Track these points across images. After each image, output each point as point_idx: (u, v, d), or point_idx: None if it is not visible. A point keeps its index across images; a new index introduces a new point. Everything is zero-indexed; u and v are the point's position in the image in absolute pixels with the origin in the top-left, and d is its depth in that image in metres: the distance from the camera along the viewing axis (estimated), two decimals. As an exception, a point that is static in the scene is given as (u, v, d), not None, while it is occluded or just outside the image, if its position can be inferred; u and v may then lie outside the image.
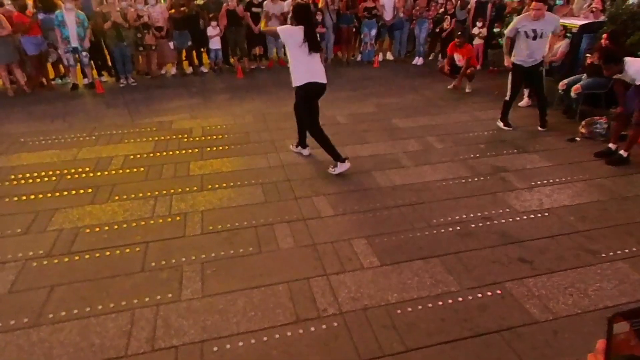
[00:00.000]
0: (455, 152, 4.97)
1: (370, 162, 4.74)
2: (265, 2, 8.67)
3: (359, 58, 9.73)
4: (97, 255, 3.23)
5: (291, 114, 5.20)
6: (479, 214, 3.73)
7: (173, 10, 8.08)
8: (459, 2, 8.85)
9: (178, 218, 3.70)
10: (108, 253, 3.25)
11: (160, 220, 3.67)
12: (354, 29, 9.54)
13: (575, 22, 6.76)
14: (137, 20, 7.76)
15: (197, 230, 3.52)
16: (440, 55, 9.22)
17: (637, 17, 5.92)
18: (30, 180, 4.38)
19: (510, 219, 3.66)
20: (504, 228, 3.53)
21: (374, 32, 9.32)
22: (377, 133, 5.54)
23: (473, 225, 3.57)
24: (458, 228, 3.54)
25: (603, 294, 2.81)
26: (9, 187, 4.25)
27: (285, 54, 9.43)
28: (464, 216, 3.70)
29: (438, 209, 3.82)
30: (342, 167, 4.43)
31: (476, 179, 4.36)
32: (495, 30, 8.30)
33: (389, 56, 9.92)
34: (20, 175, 4.48)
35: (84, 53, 7.44)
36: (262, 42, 9.25)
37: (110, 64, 8.22)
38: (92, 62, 7.91)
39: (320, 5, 8.84)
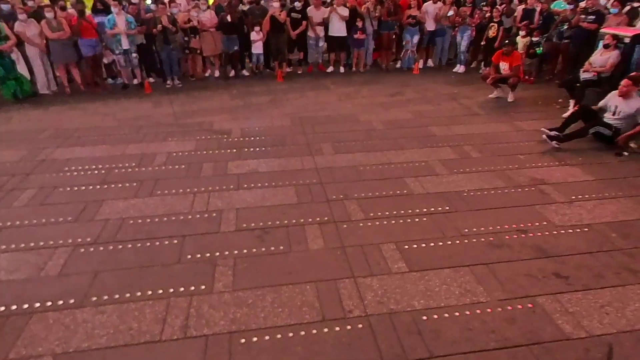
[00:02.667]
0: (492, 162, 4.88)
1: (404, 169, 4.74)
2: (308, 9, 8.87)
3: (398, 65, 9.71)
4: (139, 245, 3.42)
5: (327, 118, 5.29)
6: (514, 226, 3.65)
7: (223, 14, 8.36)
8: (504, 9, 8.67)
9: (214, 214, 3.85)
10: (148, 244, 3.44)
11: (198, 216, 3.84)
12: (394, 36, 9.54)
13: (628, 32, 6.47)
14: (187, 23, 8.10)
15: (232, 227, 3.66)
16: (482, 64, 9.05)
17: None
18: (82, 173, 4.69)
19: (547, 233, 3.56)
20: (539, 242, 3.45)
21: (415, 39, 9.27)
22: (413, 140, 5.53)
23: (507, 237, 3.51)
24: (491, 239, 3.48)
25: (642, 315, 2.69)
26: (63, 178, 4.57)
27: (323, 60, 9.66)
28: (498, 227, 3.63)
29: (471, 218, 3.77)
30: None
31: (513, 190, 4.27)
32: (534, 39, 8.07)
33: (430, 63, 9.84)
34: (73, 168, 4.80)
35: (134, 55, 7.86)
36: (302, 48, 9.43)
37: (158, 66, 8.63)
38: (141, 64, 8.33)
39: (361, 11, 8.89)
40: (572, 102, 6.53)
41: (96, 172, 4.70)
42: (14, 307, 2.80)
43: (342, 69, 9.38)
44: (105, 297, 2.86)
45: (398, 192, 4.24)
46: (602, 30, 6.85)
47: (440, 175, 4.60)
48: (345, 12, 8.75)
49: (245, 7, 9.01)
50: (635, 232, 3.52)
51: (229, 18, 8.33)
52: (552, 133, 5.22)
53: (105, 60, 8.21)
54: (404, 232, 3.58)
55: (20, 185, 4.41)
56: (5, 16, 7.40)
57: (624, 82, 5.06)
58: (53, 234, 3.57)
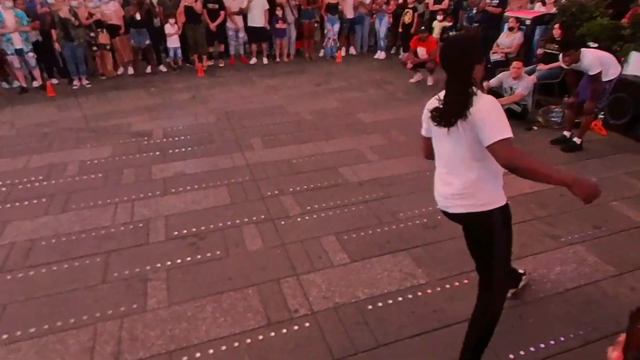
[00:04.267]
0: (418, 145, 5.02)
1: (337, 158, 4.73)
2: (224, -1, 8.51)
3: (321, 53, 9.70)
4: (54, 268, 3.07)
5: (254, 112, 5.07)
6: (445, 206, 3.78)
7: (131, 7, 7.78)
8: (417, -5, 8.97)
9: (140, 225, 3.56)
10: (66, 266, 3.09)
11: (122, 228, 3.53)
12: (315, 24, 9.51)
13: (528, 15, 6.99)
14: (89, 18, 7.42)
15: (161, 237, 3.41)
16: (401, 49, 9.32)
17: (586, 9, 6.17)
18: (-23, 192, 4.11)
19: (475, 209, 3.74)
20: (468, 218, 3.60)
21: (336, 27, 9.31)
22: (342, 128, 5.54)
23: (439, 218, 3.60)
24: (425, 220, 3.59)
25: (564, 278, 2.92)
26: (-47, 201, 3.98)
27: (245, 51, 9.38)
28: (430, 209, 3.74)
29: (405, 202, 3.86)
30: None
31: (440, 171, 4.43)
32: (447, 24, 8.46)
33: (352, 51, 9.95)
34: (-35, 187, 4.19)
35: (30, 54, 7.05)
36: (222, 40, 9.07)
37: (61, 65, 7.82)
38: (40, 64, 7.50)
39: (280, 0, 8.73)
40: (485, 83, 6.93)
41: (-5, 190, 4.15)
42: None
43: (265, 60, 9.17)
44: (18, 333, 2.52)
45: (333, 182, 4.23)
46: (506, 13, 7.33)
47: (372, 161, 4.66)
48: (265, 2, 8.54)
49: (155, -1, 8.45)
50: (550, 201, 3.81)
51: (138, 16, 7.76)
52: None
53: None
54: (342, 222, 3.57)
55: None
56: None
57: (515, 64, 5.33)
58: (-54, 267, 3.09)
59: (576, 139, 4.81)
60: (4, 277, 2.99)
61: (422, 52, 7.34)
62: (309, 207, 3.78)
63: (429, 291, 2.82)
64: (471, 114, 1.81)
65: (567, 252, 3.17)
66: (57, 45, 7.28)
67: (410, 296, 2.78)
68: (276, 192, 4.04)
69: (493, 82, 5.53)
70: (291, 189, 4.08)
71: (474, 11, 8.36)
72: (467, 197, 1.99)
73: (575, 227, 3.46)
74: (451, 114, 1.87)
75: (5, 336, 2.50)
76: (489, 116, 1.80)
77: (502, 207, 2.01)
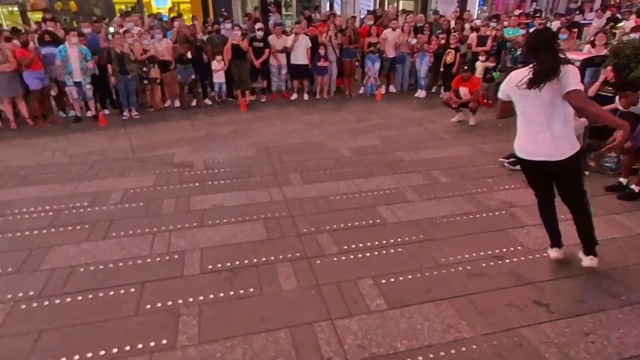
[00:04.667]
0: (461, 186, 4.86)
1: (376, 197, 4.62)
2: (270, 37, 8.84)
3: (361, 91, 9.79)
4: (90, 296, 3.08)
5: (294, 147, 5.08)
6: (490, 252, 3.57)
7: (178, 45, 8.20)
8: (459, 36, 8.96)
9: (176, 256, 3.55)
10: (102, 294, 3.10)
11: (158, 259, 3.53)
12: (356, 63, 9.66)
13: (578, 57, 6.79)
14: (143, 54, 7.86)
15: (196, 270, 3.37)
16: (442, 88, 9.26)
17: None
18: (27, 216, 4.27)
19: (523, 258, 3.51)
20: (516, 268, 3.37)
21: (377, 65, 9.41)
22: (382, 166, 5.45)
23: (484, 265, 3.42)
24: (468, 267, 3.38)
25: (627, 341, 2.62)
26: (3, 223, 4.14)
27: (287, 87, 9.61)
28: (474, 254, 3.55)
29: (447, 246, 3.67)
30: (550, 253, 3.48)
31: (484, 215, 4.23)
32: (490, 65, 8.34)
33: (392, 89, 9.98)
34: (16, 210, 4.37)
35: (88, 86, 7.49)
36: (265, 76, 9.36)
37: (114, 97, 8.27)
38: (96, 95, 7.95)
39: (323, 40, 8.96)
40: None
41: (43, 214, 4.29)
42: (-62, 382, 2.39)
43: (306, 97, 9.34)
44: (50, 363, 2.51)
45: (371, 221, 4.10)
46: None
47: (412, 202, 4.51)
48: (308, 41, 8.82)
49: (204, 37, 8.87)
50: (607, 253, 3.51)
51: (189, 55, 8.17)
52: (511, 159, 5.25)
53: (53, 93, 7.77)
54: (380, 265, 3.42)
55: (-47, 233, 3.95)
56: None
57: None
58: (-10, 288, 3.17)
59: (634, 187, 4.49)
60: (42, 302, 3.02)
61: (464, 91, 7.24)
62: (345, 247, 3.67)
63: (474, 347, 2.60)
64: (560, 72, 2.73)
65: (629, 313, 2.87)
66: (112, 79, 7.72)
67: (453, 351, 2.57)
68: (313, 229, 3.96)
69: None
70: (328, 227, 3.99)
71: (519, 52, 8.24)
72: (563, 141, 2.89)
73: (637, 284, 3.15)
74: (548, 73, 2.75)
75: (37, 365, 2.49)
76: (572, 72, 2.74)
77: (581, 148, 2.97)
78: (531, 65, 2.84)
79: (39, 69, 7.22)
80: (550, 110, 2.86)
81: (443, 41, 9.03)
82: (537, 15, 10.83)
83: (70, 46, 7.16)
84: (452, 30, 9.32)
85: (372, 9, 16.04)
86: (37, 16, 11.55)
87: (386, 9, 16.53)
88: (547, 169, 3.04)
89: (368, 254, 3.57)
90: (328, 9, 14.93)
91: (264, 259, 3.50)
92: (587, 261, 3.27)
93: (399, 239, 3.78)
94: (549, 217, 3.37)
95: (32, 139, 6.75)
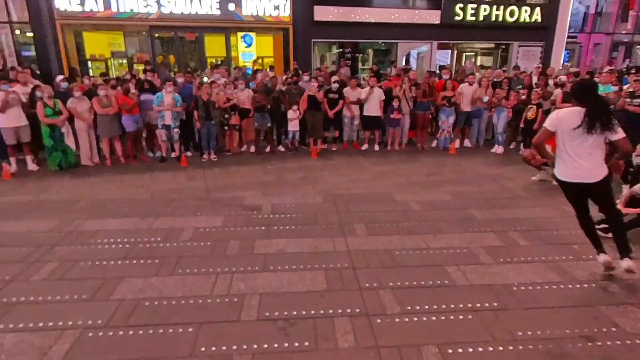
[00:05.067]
0: (543, 251, 4.41)
1: (444, 255, 4.34)
2: (345, 89, 9.11)
3: (434, 144, 9.61)
4: (151, 331, 3.13)
5: (361, 197, 4.99)
6: (577, 331, 3.13)
7: (258, 95, 8.73)
8: (542, 92, 8.57)
9: (235, 299, 3.54)
10: (161, 331, 3.14)
11: (218, 300, 3.54)
12: (430, 116, 9.58)
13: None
14: (227, 102, 8.45)
15: (253, 316, 3.32)
16: (522, 145, 8.78)
17: None
18: (107, 246, 4.57)
19: (619, 342, 3.02)
20: (611, 353, 2.90)
21: (451, 119, 9.25)
22: (452, 223, 5.16)
23: (570, 345, 2.98)
24: (550, 346, 2.97)
25: None
26: (87, 251, 4.45)
27: (358, 137, 9.72)
28: (558, 332, 3.12)
29: (524, 318, 3.28)
30: (598, 258, 3.95)
31: (570, 286, 3.76)
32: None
33: (467, 143, 9.68)
34: (99, 240, 4.70)
35: (176, 130, 8.15)
36: (338, 126, 9.57)
37: (197, 140, 8.90)
38: (181, 138, 8.61)
39: (397, 92, 9.04)
40: (625, 187, 6.05)
41: (120, 245, 4.56)
42: (6, 400, 2.51)
43: (377, 147, 9.36)
44: (105, 396, 2.53)
45: (438, 282, 3.83)
46: (652, 113, 6.56)
47: (485, 264, 4.16)
48: (382, 94, 8.97)
49: (283, 88, 9.37)
50: None
51: (268, 106, 8.67)
52: (602, 226, 4.68)
53: (144, 134, 8.56)
54: (446, 331, 3.13)
55: (43, 257, 4.31)
56: (61, 93, 7.95)
57: None
58: (64, 313, 3.35)
59: None
60: (107, 332, 3.12)
61: (547, 149, 6.77)
62: (409, 307, 3.42)
63: None
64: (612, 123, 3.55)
65: None
66: (197, 124, 8.36)
67: None
68: (375, 284, 3.77)
69: (637, 188, 4.77)
70: (391, 284, 3.78)
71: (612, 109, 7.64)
72: (601, 168, 3.69)
73: None
74: (605, 125, 3.54)
75: (93, 396, 2.53)
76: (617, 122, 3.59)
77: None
78: (584, 111, 3.59)
79: (136, 113, 8.03)
80: (595, 146, 3.64)
81: (524, 97, 8.69)
82: (632, 71, 10.09)
83: (166, 94, 7.93)
84: (535, 86, 8.96)
85: (447, 64, 16.06)
86: (141, 67, 13.07)
87: (463, 64, 16.47)
88: (585, 188, 3.77)
89: (434, 318, 3.29)
90: (404, 63, 15.18)
91: (322, 311, 3.37)
92: (624, 263, 3.74)
93: (469, 305, 3.46)
94: (589, 226, 4.01)
95: (122, 175, 7.38)
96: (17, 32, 13.01)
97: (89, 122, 7.83)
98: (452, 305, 3.45)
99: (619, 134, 3.54)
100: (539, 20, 15.24)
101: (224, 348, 2.95)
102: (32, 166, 7.74)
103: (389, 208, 5.70)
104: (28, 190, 6.59)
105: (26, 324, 3.23)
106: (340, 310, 3.38)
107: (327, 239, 4.72)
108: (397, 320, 3.27)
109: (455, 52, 16.85)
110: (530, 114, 8.33)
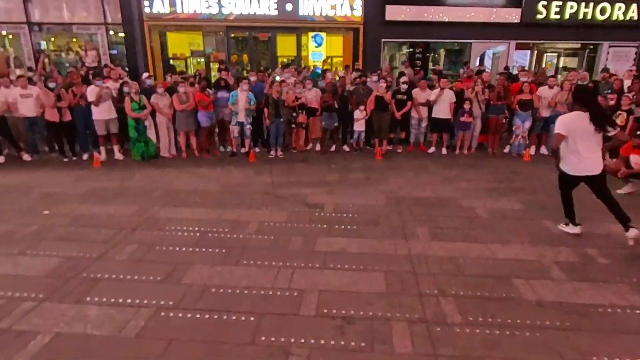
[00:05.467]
0: (626, 271, 4.04)
1: (512, 267, 4.13)
2: (414, 90, 8.95)
3: (507, 150, 9.13)
4: (216, 317, 3.31)
5: (425, 201, 4.89)
6: (663, 363, 2.84)
7: (326, 95, 8.84)
8: (635, 97, 7.81)
9: (295, 294, 3.64)
10: (225, 317, 3.31)
11: (279, 293, 3.66)
12: (504, 120, 9.11)
13: None
14: (295, 101, 8.66)
15: (312, 311, 3.39)
16: (607, 154, 8.06)
17: None
18: (179, 233, 4.89)
19: None
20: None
21: (527, 124, 8.73)
22: (523, 234, 4.89)
23: (653, 376, 2.72)
24: (630, 375, 2.73)
25: None
26: (162, 237, 4.80)
27: (425, 140, 9.49)
28: (639, 360, 2.86)
29: (600, 343, 3.04)
30: (573, 230, 4.90)
31: (658, 313, 3.42)
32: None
33: (544, 150, 9.08)
34: (172, 227, 5.04)
35: (248, 127, 8.50)
36: (405, 127, 9.41)
37: (265, 137, 9.21)
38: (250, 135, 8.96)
39: (468, 94, 8.71)
40: (626, 186, 5.40)
41: (192, 234, 4.86)
42: (89, 365, 2.79)
43: (444, 151, 9.08)
44: (173, 372, 2.73)
45: (504, 294, 3.65)
46: None
47: (557, 280, 3.90)
48: (452, 96, 8.70)
49: (351, 88, 9.40)
50: None
51: (335, 105, 8.73)
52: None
53: (216, 130, 9.02)
54: (510, 347, 2.99)
55: (125, 239, 4.71)
56: (146, 90, 8.61)
57: None
58: (141, 292, 3.65)
59: None
60: (177, 313, 3.36)
61: (635, 160, 6.18)
62: (471, 318, 3.31)
63: None
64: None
65: None
66: (267, 121, 8.65)
67: None
68: (436, 291, 3.68)
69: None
70: (453, 292, 3.67)
71: None
72: (601, 161, 4.56)
73: None
74: (610, 124, 4.50)
75: (162, 371, 2.74)
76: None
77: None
78: (588, 114, 4.43)
79: (211, 110, 8.48)
80: (598, 142, 4.49)
81: (612, 102, 7.97)
82: None
83: (240, 92, 8.30)
84: (627, 91, 8.19)
85: (526, 65, 15.14)
86: (216, 65, 13.78)
87: (543, 65, 15.45)
88: (589, 179, 4.63)
89: (497, 332, 3.15)
90: (477, 64, 14.54)
91: (379, 313, 3.36)
92: (631, 232, 4.43)
93: (537, 322, 3.27)
94: (572, 204, 4.94)
95: (195, 168, 7.84)
96: (111, 32, 14.25)
97: (169, 117, 8.41)
98: (518, 321, 3.28)
99: (616, 129, 4.52)
100: (635, 17, 13.86)
101: (283, 340, 3.05)
102: (118, 155, 8.48)
103: (454, 214, 5.53)
104: (115, 177, 7.23)
105: (108, 298, 3.56)
106: (398, 315, 3.35)
107: (389, 241, 4.68)
108: (458, 330, 3.17)
109: (536, 52, 15.84)
110: (619, 120, 7.62)
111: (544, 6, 13.68)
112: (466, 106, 8.57)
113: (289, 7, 13.60)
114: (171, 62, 14.94)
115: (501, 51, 15.06)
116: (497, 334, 3.12)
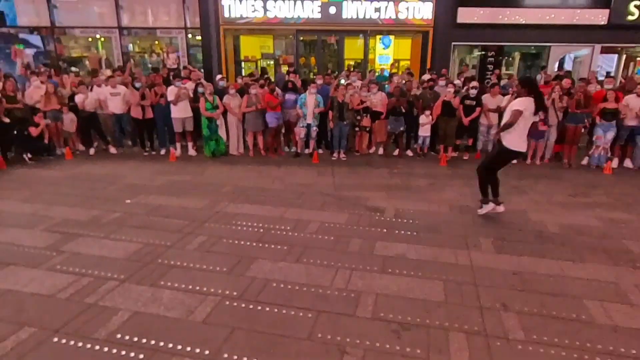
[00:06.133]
0: None
1: (584, 287, 3.88)
2: (483, 96, 8.64)
3: (585, 161, 8.52)
4: (275, 310, 3.46)
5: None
6: None
7: (393, 99, 8.79)
8: None
9: (352, 295, 3.70)
10: (284, 311, 3.45)
11: (336, 293, 3.74)
12: (583, 129, 8.50)
13: None
14: (360, 104, 8.72)
15: (368, 313, 3.43)
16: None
17: None
18: (244, 228, 5.14)
19: None
20: None
21: (610, 135, 8.09)
22: (600, 253, 4.56)
23: None
24: None
25: None
26: (228, 230, 5.08)
27: (493, 147, 9.08)
28: None
29: (684, 377, 2.78)
30: (487, 208, 5.60)
31: None
32: None
33: (628, 164, 8.36)
34: (238, 222, 5.31)
35: (314, 128, 8.70)
36: (472, 134, 9.11)
37: (329, 139, 9.35)
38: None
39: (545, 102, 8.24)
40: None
41: (256, 229, 5.09)
42: (161, 343, 3.05)
43: (514, 160, 8.64)
44: (235, 357, 2.90)
45: (574, 315, 3.45)
46: None
47: (636, 305, 3.61)
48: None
49: (418, 92, 9.27)
50: None
51: (402, 109, 8.66)
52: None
53: (282, 130, 9.30)
54: (578, 371, 2.82)
55: (196, 230, 5.05)
56: (219, 90, 9.10)
57: None
58: (208, 281, 3.90)
59: None
60: (240, 304, 3.55)
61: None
62: (535, 337, 3.16)
63: None
64: None
65: None
66: (331, 124, 8.79)
67: None
68: (498, 305, 3.56)
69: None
70: (517, 308, 3.53)
71: None
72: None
73: None
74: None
75: (225, 355, 2.92)
76: None
77: None
78: (533, 98, 5.14)
79: (278, 111, 8.78)
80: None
81: None
82: None
83: (309, 95, 8.52)
84: None
85: (612, 71, 13.99)
86: (285, 68, 14.22)
87: (630, 72, 14.20)
88: (518, 155, 5.56)
89: (563, 353, 2.99)
90: (556, 69, 13.67)
91: (437, 322, 3.32)
92: (498, 207, 5.60)
93: (611, 347, 3.05)
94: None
95: (261, 166, 8.16)
96: (189, 35, 15.21)
97: (239, 117, 8.83)
98: (588, 344, 3.09)
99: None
100: None
101: (338, 339, 3.12)
102: (191, 152, 9.05)
103: (522, 226, 5.29)
104: (188, 171, 7.74)
105: (179, 284, 3.85)
106: (456, 325, 3.29)
107: (450, 250, 4.59)
108: (520, 347, 3.05)
109: (624, 57, 14.59)
110: None
111: (636, 6, 12.58)
112: (541, 114, 8.11)
113: (357, 10, 13.69)
114: (242, 64, 15.64)
115: (583, 55, 14.08)
116: (563, 356, 2.97)
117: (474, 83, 8.93)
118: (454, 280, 3.97)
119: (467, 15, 13.34)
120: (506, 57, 15.34)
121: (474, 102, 8.59)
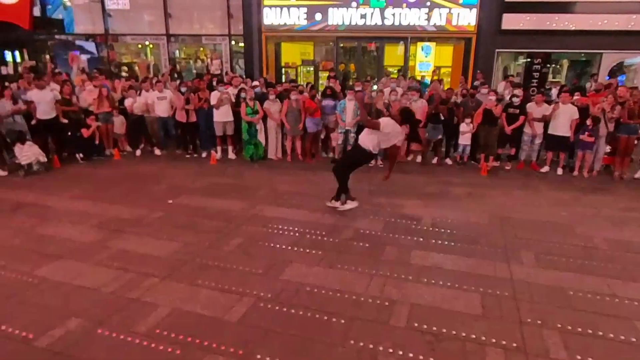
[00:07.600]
0: None
1: (635, 307, 3.66)
2: (528, 105, 8.36)
3: (638, 174, 8.03)
4: (309, 314, 3.49)
5: (533, 224, 4.57)
6: None
7: (431, 106, 8.67)
8: None
9: (386, 303, 3.66)
10: (317, 316, 3.46)
11: (370, 300, 3.71)
12: (636, 141, 8.04)
13: None
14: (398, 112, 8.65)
15: (402, 323, 3.39)
16: None
17: None
18: (280, 232, 5.20)
19: None
20: None
21: (666, 147, 7.61)
22: (652, 272, 4.30)
23: None
24: None
25: None
26: (264, 233, 5.16)
27: (538, 158, 8.77)
28: None
29: None
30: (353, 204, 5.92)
31: None
32: None
33: (689, 178, 7.82)
34: (274, 225, 5.38)
35: (352, 134, 8.69)
36: (515, 143, 8.81)
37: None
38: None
39: (594, 111, 7.87)
40: None
41: (292, 233, 5.15)
42: (197, 340, 3.14)
43: (560, 171, 8.29)
44: (267, 359, 2.94)
45: (622, 337, 3.26)
46: None
47: (694, 330, 3.36)
48: (575, 112, 7.94)
49: (459, 100, 9.08)
50: None
51: (441, 116, 8.52)
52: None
53: (322, 136, 9.36)
54: (626, 397, 2.67)
55: (233, 232, 5.16)
56: (258, 95, 9.29)
57: None
58: (244, 282, 3.98)
59: None
60: (274, 306, 3.60)
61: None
62: (579, 357, 3.02)
63: None
64: None
65: None
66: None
67: None
68: (539, 322, 3.42)
69: None
70: (559, 325, 3.38)
71: None
72: None
73: None
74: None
75: (258, 356, 2.97)
76: None
77: None
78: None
79: (318, 116, 8.85)
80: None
81: None
82: None
83: (348, 101, 8.55)
84: None
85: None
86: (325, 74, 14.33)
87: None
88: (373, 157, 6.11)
89: (610, 377, 2.84)
90: (608, 77, 13.01)
91: (473, 335, 3.23)
92: (344, 204, 5.91)
93: (663, 374, 2.87)
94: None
95: (299, 171, 8.24)
96: (233, 42, 15.65)
97: (279, 122, 8.97)
98: (638, 369, 2.91)
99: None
100: None
101: (371, 346, 3.10)
102: (231, 155, 9.27)
103: (566, 241, 5.05)
104: (228, 174, 7.94)
105: (216, 284, 3.95)
106: (494, 340, 3.19)
107: (488, 262, 4.46)
108: (562, 367, 2.92)
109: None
110: None
111: (698, 11, 11.82)
112: (588, 123, 7.75)
113: (398, 16, 13.63)
114: (283, 70, 15.90)
115: (638, 63, 13.34)
116: (609, 379, 2.81)
117: (517, 91, 8.65)
118: (492, 293, 3.85)
119: (512, 21, 12.98)
120: (553, 65, 14.77)
121: (518, 111, 8.31)
